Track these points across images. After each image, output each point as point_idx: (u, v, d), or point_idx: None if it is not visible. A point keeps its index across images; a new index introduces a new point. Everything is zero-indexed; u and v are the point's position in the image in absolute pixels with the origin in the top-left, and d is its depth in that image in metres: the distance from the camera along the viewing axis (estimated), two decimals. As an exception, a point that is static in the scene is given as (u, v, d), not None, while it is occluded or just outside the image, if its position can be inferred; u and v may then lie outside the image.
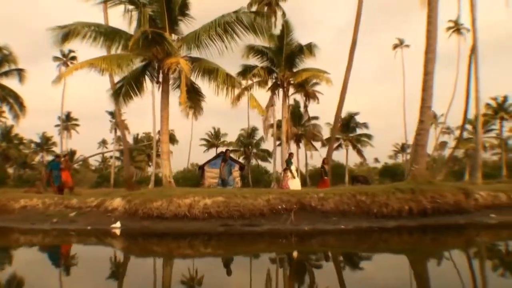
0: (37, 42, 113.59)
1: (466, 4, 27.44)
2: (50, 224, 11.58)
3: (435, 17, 11.58)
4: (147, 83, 14.75)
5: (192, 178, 40.46)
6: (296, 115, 35.10)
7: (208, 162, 34.09)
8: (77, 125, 52.15)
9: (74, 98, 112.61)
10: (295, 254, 7.80)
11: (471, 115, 49.22)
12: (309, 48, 19.40)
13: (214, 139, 49.10)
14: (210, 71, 13.33)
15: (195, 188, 13.68)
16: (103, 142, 58.74)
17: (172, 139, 48.83)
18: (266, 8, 34.63)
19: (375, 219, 10.04)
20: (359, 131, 40.85)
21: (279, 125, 38.71)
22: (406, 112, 54.38)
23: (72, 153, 50.79)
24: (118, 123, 23.71)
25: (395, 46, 48.57)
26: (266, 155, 39.55)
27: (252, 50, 18.99)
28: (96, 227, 11.08)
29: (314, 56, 19.49)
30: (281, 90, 20.04)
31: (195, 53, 14.26)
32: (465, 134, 47.49)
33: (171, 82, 14.20)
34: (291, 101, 25.05)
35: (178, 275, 6.12)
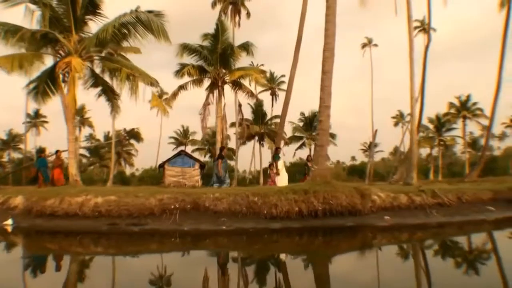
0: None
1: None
2: (-51, 221, 11.34)
3: (333, 15, 11.29)
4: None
5: (158, 176, 40.03)
6: (259, 114, 34.85)
7: (168, 160, 33.53)
8: (46, 122, 51.33)
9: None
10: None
11: (432, 114, 50.03)
12: (246, 47, 19.18)
13: (182, 137, 48.78)
14: (114, 70, 13.04)
15: (99, 187, 13.28)
16: (75, 140, 57.72)
17: (138, 138, 48.52)
18: (230, 7, 34.46)
19: (264, 220, 9.81)
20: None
21: (241, 123, 38.62)
22: (374, 111, 54.36)
23: (41, 150, 49.94)
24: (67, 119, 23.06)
25: (364, 45, 48.39)
26: (231, 153, 39.26)
27: (186, 48, 18.62)
28: (-10, 224, 10.96)
29: (252, 55, 19.35)
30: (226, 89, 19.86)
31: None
32: (427, 133, 47.86)
33: (88, 81, 13.96)
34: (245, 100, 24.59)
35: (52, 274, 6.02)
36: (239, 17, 34.18)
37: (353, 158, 72.68)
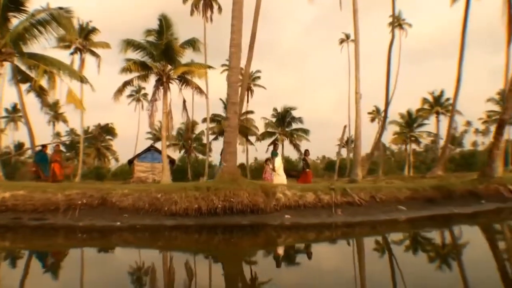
0: None
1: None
2: None
3: (239, 11, 11.32)
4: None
5: (130, 172, 40.14)
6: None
7: (138, 156, 33.81)
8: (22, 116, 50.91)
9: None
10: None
11: (398, 109, 49.90)
12: (192, 44, 19.25)
13: (159, 132, 48.55)
14: (33, 66, 13.11)
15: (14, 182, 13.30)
16: (57, 135, 57.79)
17: (112, 133, 48.57)
18: (202, 2, 34.42)
19: (163, 217, 9.92)
20: (294, 125, 40.69)
21: (213, 119, 38.69)
22: (350, 107, 54.35)
23: (20, 145, 50.16)
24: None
25: (342, 41, 47.98)
26: (204, 149, 39.41)
27: (130, 44, 18.57)
28: None
29: (199, 50, 19.41)
30: (174, 85, 19.90)
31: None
32: (399, 129, 47.92)
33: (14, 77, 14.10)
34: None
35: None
36: (211, 12, 34.23)
37: (338, 154, 72.65)
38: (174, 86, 20.26)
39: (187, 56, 20.54)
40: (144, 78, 19.39)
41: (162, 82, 19.07)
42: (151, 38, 18.90)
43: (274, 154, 15.15)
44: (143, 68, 18.90)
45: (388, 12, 37.16)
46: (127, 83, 19.37)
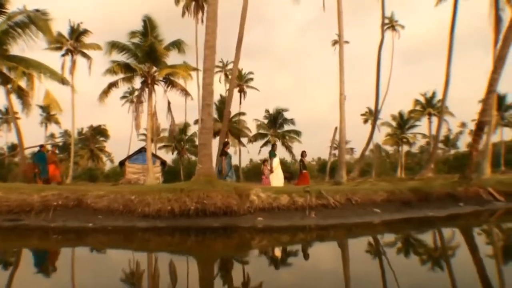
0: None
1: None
2: None
3: (213, 12, 11.45)
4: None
5: (122, 173, 40.16)
6: (221, 110, 34.94)
7: (129, 157, 33.86)
8: (18, 118, 50.73)
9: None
10: None
11: (394, 111, 49.94)
12: (178, 45, 19.39)
13: (152, 134, 48.72)
14: (13, 68, 13.23)
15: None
16: (52, 136, 57.80)
17: (105, 134, 48.62)
18: (193, 4, 34.55)
19: (136, 219, 9.97)
20: (286, 127, 40.89)
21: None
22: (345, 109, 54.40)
23: (13, 147, 50.11)
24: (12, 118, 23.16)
25: (335, 43, 47.94)
26: (196, 150, 39.56)
27: (115, 46, 18.74)
28: None
29: (184, 52, 19.53)
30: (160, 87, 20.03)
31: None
32: (390, 130, 48.07)
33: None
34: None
35: None
36: (202, 14, 34.30)
37: (334, 155, 72.76)
38: (161, 88, 20.51)
39: (178, 58, 20.70)
40: (129, 79, 19.54)
41: (147, 84, 19.23)
42: (136, 40, 19.10)
43: (272, 154, 14.98)
44: (128, 70, 19.07)
45: (389, 12, 37.64)
46: (112, 85, 19.53)
